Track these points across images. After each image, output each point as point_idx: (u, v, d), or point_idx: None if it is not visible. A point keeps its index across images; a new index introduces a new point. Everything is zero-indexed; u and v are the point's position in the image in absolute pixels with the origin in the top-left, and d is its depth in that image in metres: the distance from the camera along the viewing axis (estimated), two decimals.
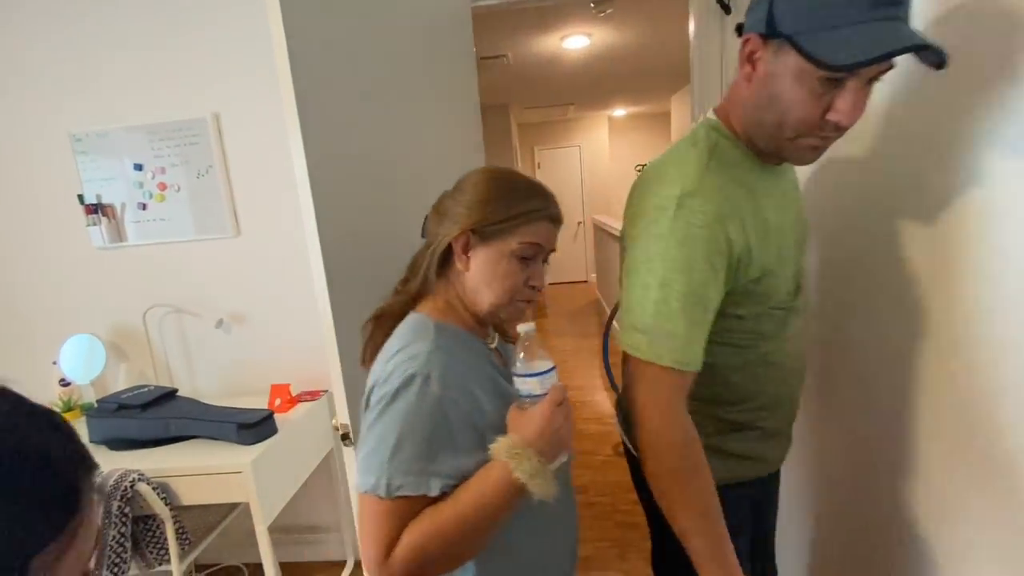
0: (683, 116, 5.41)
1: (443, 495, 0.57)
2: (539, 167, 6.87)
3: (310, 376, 1.67)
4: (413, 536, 0.55)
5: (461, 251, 0.64)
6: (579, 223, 7.01)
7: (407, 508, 0.56)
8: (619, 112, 6.55)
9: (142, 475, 1.21)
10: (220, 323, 1.67)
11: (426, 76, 1.30)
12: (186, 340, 1.71)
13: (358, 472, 0.59)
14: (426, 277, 0.67)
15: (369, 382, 0.63)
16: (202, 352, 1.71)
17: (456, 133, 1.45)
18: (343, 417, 1.00)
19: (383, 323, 0.68)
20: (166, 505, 1.24)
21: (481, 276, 0.64)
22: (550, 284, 7.00)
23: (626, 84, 4.82)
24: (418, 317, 0.65)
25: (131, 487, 1.18)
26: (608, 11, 2.60)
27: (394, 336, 0.64)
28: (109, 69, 1.57)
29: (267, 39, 1.49)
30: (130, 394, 1.45)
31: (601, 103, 5.86)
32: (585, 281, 6.99)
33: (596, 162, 6.84)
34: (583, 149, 6.81)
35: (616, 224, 3.93)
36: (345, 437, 0.99)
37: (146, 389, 1.48)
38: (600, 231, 5.03)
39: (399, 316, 0.67)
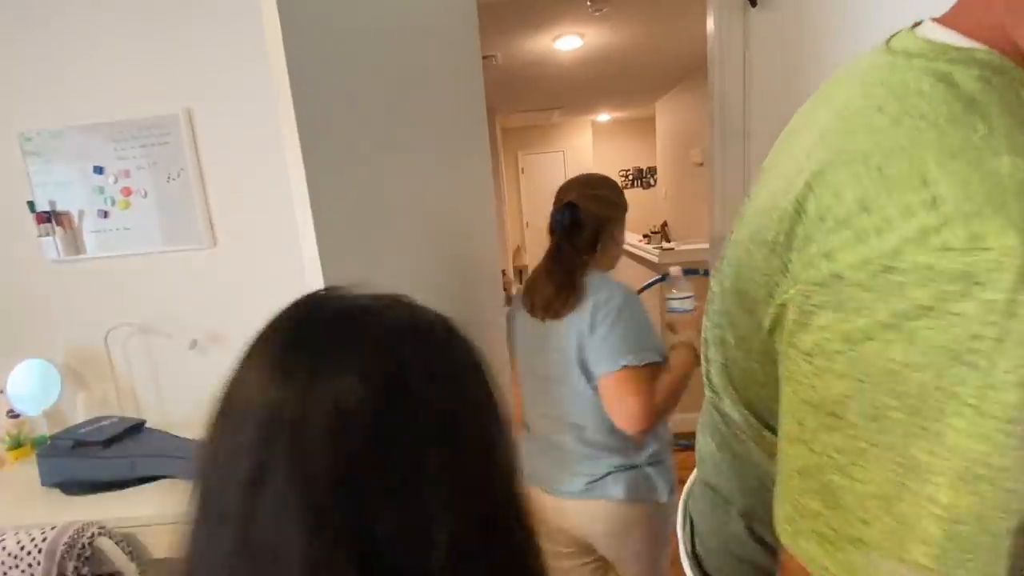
0: (668, 121, 5.39)
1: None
2: (523, 172, 6.78)
3: None
4: (660, 391, 0.93)
5: (611, 234, 1.10)
6: None
7: (649, 373, 0.93)
8: (603, 117, 6.52)
9: (103, 528, 1.04)
10: (194, 344, 1.50)
11: (431, 78, 1.19)
12: (155, 364, 1.53)
13: (606, 360, 0.94)
14: (595, 246, 1.07)
15: (587, 312, 0.97)
16: (174, 377, 1.53)
17: (461, 140, 1.34)
18: None
19: (573, 278, 1.02)
20: (132, 561, 1.06)
21: (617, 247, 1.13)
22: None
23: (614, 88, 4.77)
24: (599, 274, 1.05)
25: (89, 544, 1.01)
26: (604, 9, 2.51)
27: (591, 285, 1.01)
28: (64, 60, 1.39)
29: (249, 22, 1.35)
30: (90, 428, 1.26)
31: (586, 108, 5.81)
32: None
33: (580, 168, 6.79)
34: (567, 154, 6.76)
35: None
36: None
37: (108, 421, 1.30)
38: None
39: (580, 273, 1.03)
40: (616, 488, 0.98)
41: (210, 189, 1.45)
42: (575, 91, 4.75)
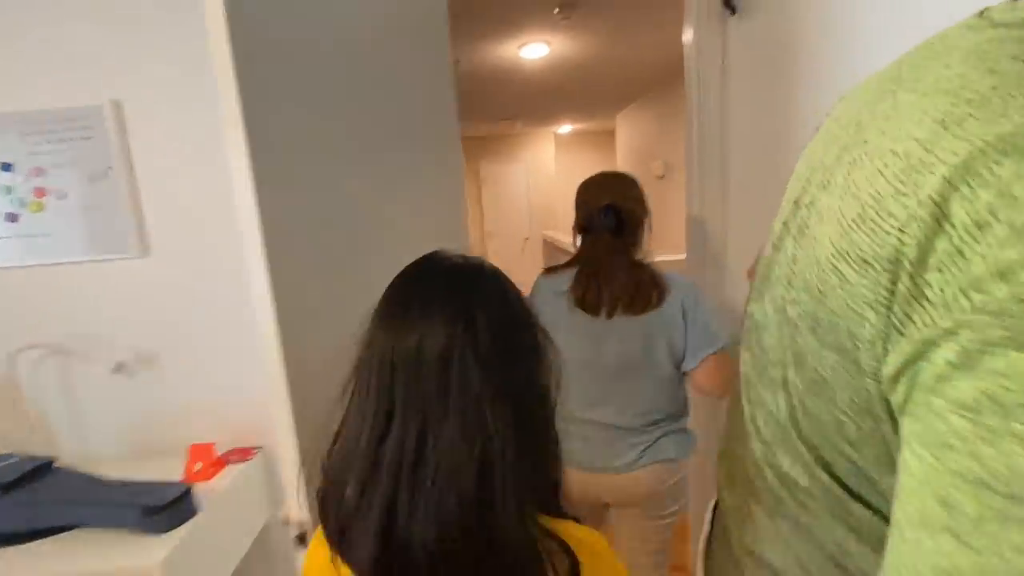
0: (628, 135, 5.47)
1: None
2: (484, 182, 6.71)
3: (240, 429, 1.35)
4: None
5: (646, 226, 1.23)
6: (525, 239, 6.90)
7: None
8: (565, 128, 6.56)
9: None
10: (119, 367, 1.31)
11: (396, 82, 1.11)
12: (71, 391, 1.33)
13: (706, 344, 1.08)
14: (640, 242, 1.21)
15: (676, 303, 1.09)
16: (94, 405, 1.34)
17: (430, 147, 1.25)
18: (295, 505, 0.73)
19: (653, 274, 1.13)
20: None
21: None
22: None
23: (577, 99, 4.79)
24: (647, 266, 1.17)
25: None
26: (572, 16, 2.48)
27: (665, 276, 1.14)
28: None
29: (192, 7, 1.20)
30: None
31: (549, 119, 5.82)
32: None
33: (542, 179, 6.79)
34: (529, 165, 6.74)
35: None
36: (302, 538, 0.72)
37: (8, 462, 1.10)
38: (550, 247, 4.92)
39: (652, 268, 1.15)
40: (670, 449, 1.13)
41: (143, 192, 1.28)
42: (538, 101, 4.73)
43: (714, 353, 1.08)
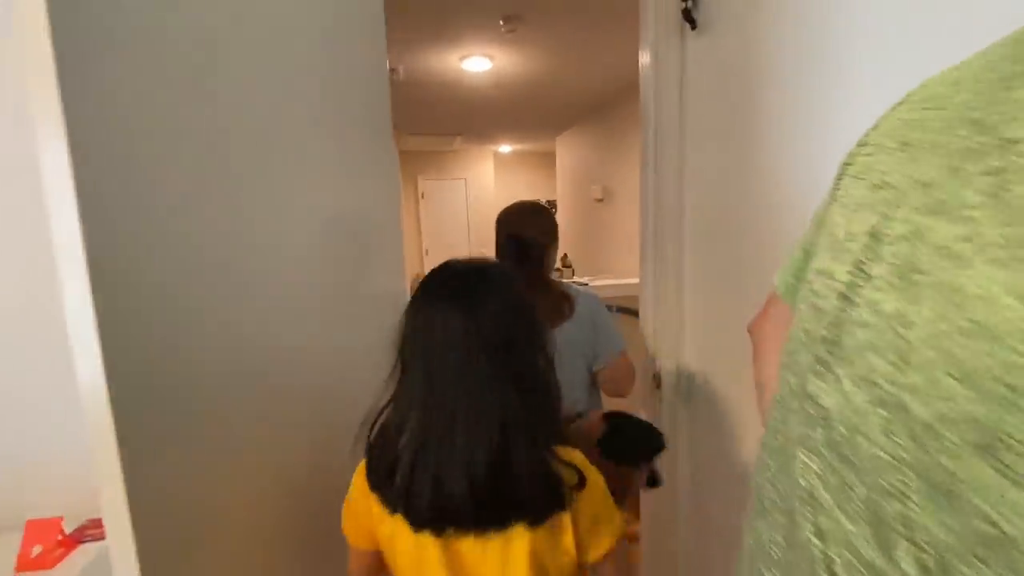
0: (568, 157, 5.50)
1: None
2: (423, 197, 6.50)
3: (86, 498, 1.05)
4: None
5: (549, 250, 1.30)
6: None
7: None
8: (505, 148, 6.52)
9: None
10: None
11: (318, 86, 0.95)
12: None
13: (613, 346, 1.27)
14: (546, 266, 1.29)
15: (586, 313, 1.25)
16: None
17: (360, 158, 1.09)
18: None
19: (563, 289, 1.27)
20: None
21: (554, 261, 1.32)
22: None
23: (517, 119, 4.75)
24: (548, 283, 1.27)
25: None
26: (517, 29, 2.40)
27: (572, 289, 1.29)
28: None
29: None
30: None
31: (488, 137, 5.75)
32: None
33: (482, 197, 6.69)
34: (469, 183, 6.62)
35: None
36: None
37: None
38: None
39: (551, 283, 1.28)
40: None
41: None
42: (479, 118, 4.64)
43: (619, 353, 1.27)
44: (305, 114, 0.94)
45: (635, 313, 2.57)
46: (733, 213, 1.13)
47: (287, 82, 0.88)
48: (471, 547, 0.60)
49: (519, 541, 0.58)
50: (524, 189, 6.93)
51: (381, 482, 0.62)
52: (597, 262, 4.62)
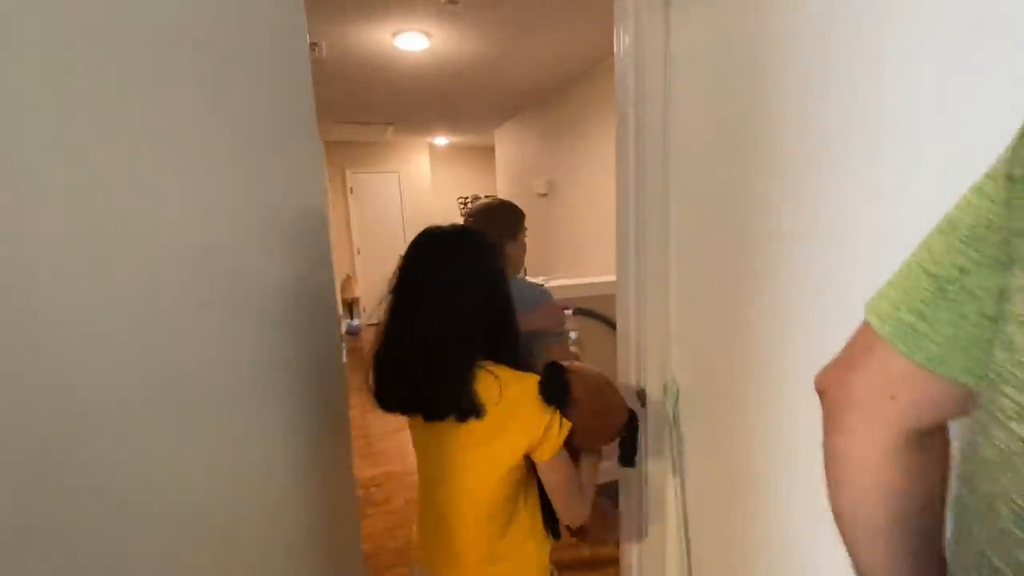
0: (508, 151, 5.30)
1: None
2: (352, 192, 6.04)
3: None
4: None
5: (508, 244, 1.31)
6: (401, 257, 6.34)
7: None
8: (441, 140, 6.20)
9: None
10: None
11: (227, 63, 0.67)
12: None
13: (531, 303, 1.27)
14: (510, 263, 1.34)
15: (524, 298, 1.13)
16: None
17: (260, 146, 0.84)
18: None
19: None
20: None
21: (519, 253, 1.38)
22: (371, 325, 6.19)
23: (456, 107, 4.46)
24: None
25: None
26: (459, 1, 2.14)
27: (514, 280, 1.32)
28: None
29: None
30: None
31: (424, 128, 5.41)
32: None
33: (417, 192, 6.33)
34: (402, 176, 6.24)
35: None
36: None
37: None
38: None
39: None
40: None
41: None
42: (413, 105, 4.31)
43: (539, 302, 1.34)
44: (195, 99, 0.75)
45: (597, 317, 2.42)
46: (728, 208, 0.96)
47: (164, 57, 0.63)
48: (438, 430, 0.78)
49: (457, 431, 0.76)
50: (462, 183, 6.65)
51: (387, 396, 0.81)
52: (545, 260, 4.45)
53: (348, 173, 5.97)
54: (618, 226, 1.21)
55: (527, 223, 1.44)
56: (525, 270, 3.33)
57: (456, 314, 0.74)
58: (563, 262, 4.14)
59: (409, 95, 3.90)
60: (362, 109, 4.35)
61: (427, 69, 3.25)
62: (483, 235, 0.83)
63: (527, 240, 1.43)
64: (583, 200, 3.76)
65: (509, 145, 5.29)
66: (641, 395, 1.18)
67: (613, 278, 1.26)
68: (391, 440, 2.95)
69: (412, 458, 1.03)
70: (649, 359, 1.17)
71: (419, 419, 0.78)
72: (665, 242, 1.14)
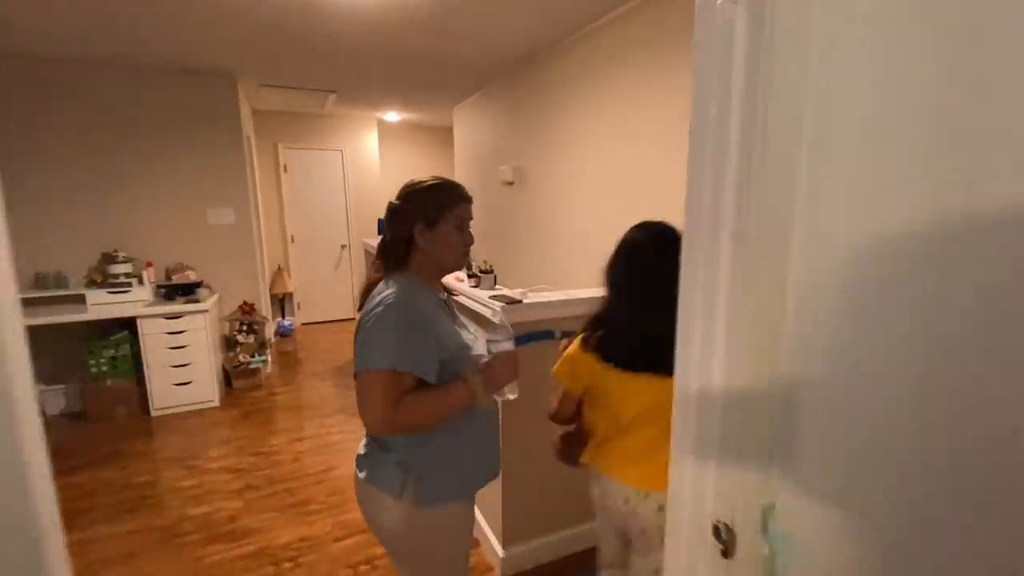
0: (469, 132, 4.70)
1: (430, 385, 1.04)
2: (285, 170, 5.26)
3: None
4: (410, 401, 1.00)
5: (419, 235, 1.09)
6: (343, 247, 5.63)
7: (395, 380, 0.99)
8: (392, 116, 5.50)
9: None
10: None
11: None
12: None
13: (358, 360, 1.01)
14: (398, 258, 1.12)
15: (360, 319, 1.06)
16: None
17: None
18: None
19: (366, 291, 1.11)
20: None
21: (440, 247, 1.11)
22: (307, 324, 5.50)
23: (410, 75, 3.81)
24: (386, 281, 1.08)
25: None
26: None
27: (379, 288, 1.08)
28: None
29: None
30: None
31: (371, 100, 4.72)
32: (352, 319, 5.64)
33: (364, 174, 5.62)
34: (347, 155, 5.51)
35: None
36: None
37: None
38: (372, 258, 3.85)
39: (375, 278, 1.14)
40: (364, 468, 1.13)
41: None
42: (359, 70, 3.64)
43: (359, 372, 1.19)
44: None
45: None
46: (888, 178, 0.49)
47: None
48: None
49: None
50: (416, 165, 5.98)
51: (603, 348, 1.16)
52: (514, 263, 3.91)
53: (281, 148, 5.17)
54: (688, 210, 0.71)
55: (482, 213, 1.11)
56: (494, 280, 2.21)
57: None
58: (538, 264, 3.62)
59: (354, 56, 3.24)
60: (296, 71, 3.63)
61: (376, 22, 2.62)
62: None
63: (471, 234, 1.15)
64: (558, 192, 3.25)
65: (469, 126, 4.69)
66: (721, 533, 0.69)
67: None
68: None
69: None
70: (739, 473, 0.68)
71: (630, 376, 1.13)
72: (783, 267, 0.65)
